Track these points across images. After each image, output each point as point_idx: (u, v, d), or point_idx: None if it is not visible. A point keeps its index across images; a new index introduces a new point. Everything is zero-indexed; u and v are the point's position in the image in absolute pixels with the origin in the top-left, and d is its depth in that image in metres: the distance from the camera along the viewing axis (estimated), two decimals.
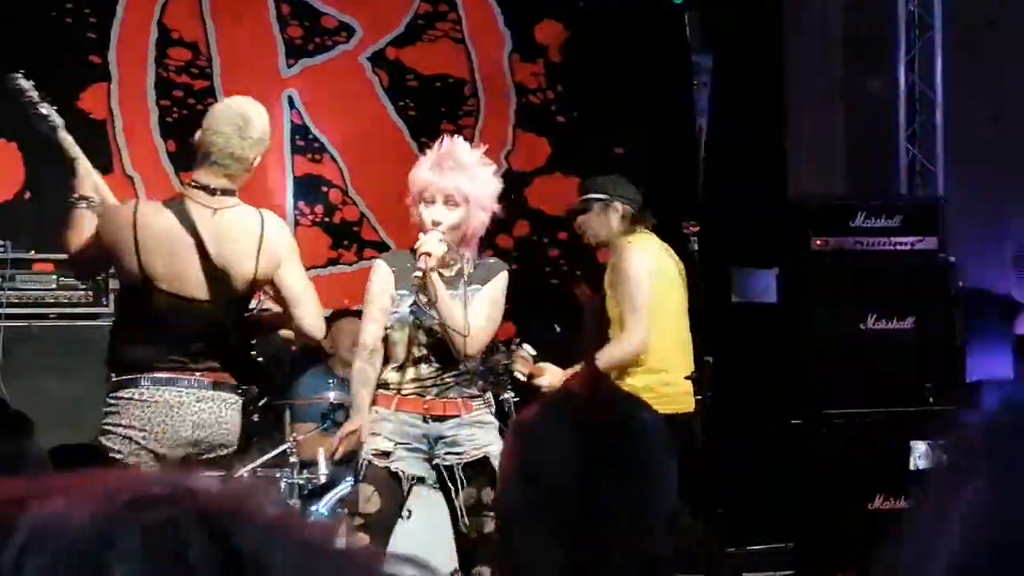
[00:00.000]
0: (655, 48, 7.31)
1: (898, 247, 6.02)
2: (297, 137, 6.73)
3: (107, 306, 5.44)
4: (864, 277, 5.91)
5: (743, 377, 6.30)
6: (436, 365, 4.02)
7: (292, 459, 5.17)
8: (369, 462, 3.97)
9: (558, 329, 6.29)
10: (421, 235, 4.02)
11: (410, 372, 4.03)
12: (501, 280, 4.16)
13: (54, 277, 5.48)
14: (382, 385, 4.04)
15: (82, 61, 6.32)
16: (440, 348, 4.01)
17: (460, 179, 4.03)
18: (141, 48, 6.46)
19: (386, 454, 3.97)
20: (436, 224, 4.01)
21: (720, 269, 6.45)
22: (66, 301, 5.43)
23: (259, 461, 5.03)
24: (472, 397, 4.06)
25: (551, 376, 4.64)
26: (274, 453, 5.17)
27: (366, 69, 6.89)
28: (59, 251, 5.87)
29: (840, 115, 7.47)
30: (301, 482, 5.15)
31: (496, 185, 4.16)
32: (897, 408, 5.87)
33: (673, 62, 7.42)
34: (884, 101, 7.30)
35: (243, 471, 4.72)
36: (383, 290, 4.07)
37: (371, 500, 3.94)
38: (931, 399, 5.84)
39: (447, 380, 4.01)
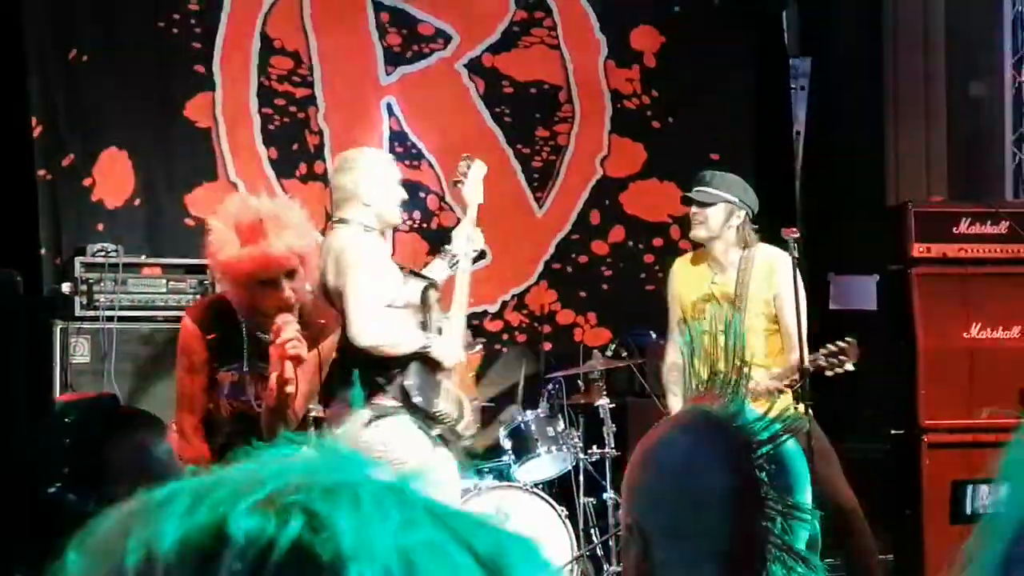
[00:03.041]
0: (752, 53, 7.26)
1: (1003, 254, 5.90)
2: (396, 144, 6.80)
3: None
4: (968, 285, 5.80)
5: (843, 386, 6.22)
6: None
7: None
8: None
9: (653, 335, 6.28)
10: (283, 331, 3.44)
11: None
12: None
13: (163, 280, 5.62)
14: None
15: (187, 71, 6.46)
16: None
17: (290, 239, 3.44)
18: (244, 57, 6.57)
19: None
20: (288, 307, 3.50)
21: (819, 275, 6.39)
22: (175, 304, 5.56)
23: None
24: None
25: None
26: None
27: (463, 76, 6.94)
28: (168, 255, 6.06)
29: (943, 119, 7.34)
30: None
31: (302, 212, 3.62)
32: (1001, 419, 5.74)
33: (770, 67, 7.38)
34: (989, 104, 7.16)
35: None
36: None
37: None
38: None
39: None
